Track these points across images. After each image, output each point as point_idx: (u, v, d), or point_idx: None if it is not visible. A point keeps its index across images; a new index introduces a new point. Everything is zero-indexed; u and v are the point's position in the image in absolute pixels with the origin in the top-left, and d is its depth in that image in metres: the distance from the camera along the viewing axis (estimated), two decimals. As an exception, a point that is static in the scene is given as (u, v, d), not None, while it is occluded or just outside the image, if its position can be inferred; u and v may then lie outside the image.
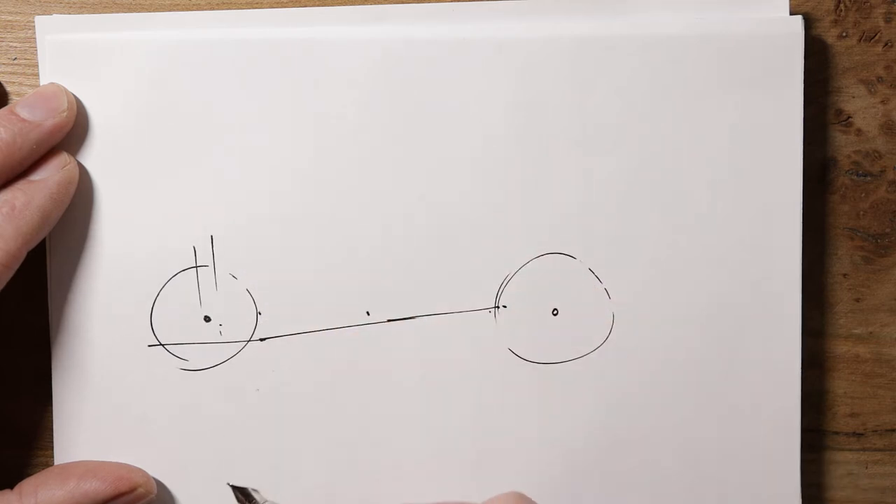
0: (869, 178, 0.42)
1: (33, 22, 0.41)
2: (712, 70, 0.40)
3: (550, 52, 0.40)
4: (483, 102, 0.40)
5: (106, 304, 0.41)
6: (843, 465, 0.44)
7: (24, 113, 0.39)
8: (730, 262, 0.41)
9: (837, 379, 0.43)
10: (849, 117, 0.42)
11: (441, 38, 0.40)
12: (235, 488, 0.41)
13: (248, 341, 0.41)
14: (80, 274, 0.41)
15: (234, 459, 0.42)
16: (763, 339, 0.41)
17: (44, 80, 0.40)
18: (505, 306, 0.42)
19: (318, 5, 0.41)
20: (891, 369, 0.44)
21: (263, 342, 0.41)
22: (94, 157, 0.40)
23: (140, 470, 0.41)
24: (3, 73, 0.41)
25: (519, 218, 0.41)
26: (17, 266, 0.38)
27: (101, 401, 0.41)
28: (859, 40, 0.42)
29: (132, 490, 0.40)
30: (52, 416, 0.42)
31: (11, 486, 0.39)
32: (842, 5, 0.41)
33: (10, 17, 0.41)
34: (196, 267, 0.41)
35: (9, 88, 0.41)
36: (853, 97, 0.42)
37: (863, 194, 0.42)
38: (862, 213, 0.43)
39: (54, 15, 0.41)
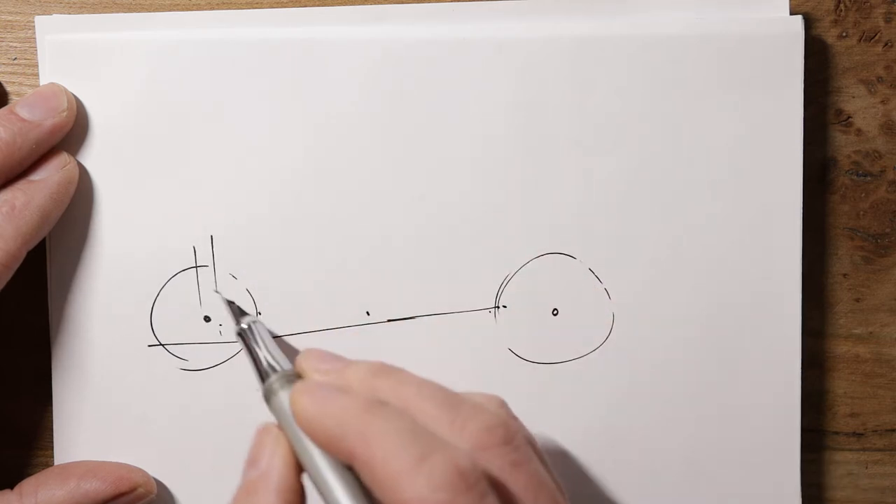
0: (869, 178, 0.42)
1: (33, 22, 0.41)
2: (712, 70, 0.40)
3: (550, 52, 0.40)
4: (483, 102, 0.40)
5: (106, 304, 0.41)
6: (843, 465, 0.44)
7: (23, 113, 0.39)
8: (730, 262, 0.41)
9: (837, 379, 0.43)
10: (849, 117, 0.42)
11: (441, 38, 0.40)
12: (227, 301, 0.40)
13: (248, 341, 0.41)
14: (80, 274, 0.41)
15: (234, 459, 0.42)
16: (763, 339, 0.41)
17: (44, 80, 0.40)
18: (505, 306, 0.42)
19: (318, 5, 0.41)
20: (891, 369, 0.44)
21: (263, 342, 0.41)
22: (94, 156, 0.40)
23: (140, 470, 0.41)
24: (3, 73, 0.41)
25: (519, 218, 0.41)
26: (16, 266, 0.38)
27: (101, 401, 0.41)
28: (859, 40, 0.42)
29: (132, 490, 0.40)
30: (52, 416, 0.42)
31: (11, 486, 0.39)
32: (842, 5, 0.41)
33: (10, 17, 0.41)
34: (196, 267, 0.41)
35: (9, 88, 0.41)
36: (853, 97, 0.42)
37: (863, 194, 0.42)
38: (862, 213, 0.43)
39: (54, 15, 0.41)
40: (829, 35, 0.42)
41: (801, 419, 0.42)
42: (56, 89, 0.39)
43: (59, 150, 0.40)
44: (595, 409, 0.42)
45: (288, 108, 0.40)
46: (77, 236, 0.41)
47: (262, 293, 0.41)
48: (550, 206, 0.41)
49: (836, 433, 0.44)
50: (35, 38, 0.40)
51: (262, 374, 0.36)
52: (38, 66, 0.40)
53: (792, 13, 0.40)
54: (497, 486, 0.30)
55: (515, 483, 0.31)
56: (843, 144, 0.42)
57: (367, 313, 0.41)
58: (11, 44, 0.41)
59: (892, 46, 0.42)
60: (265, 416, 0.41)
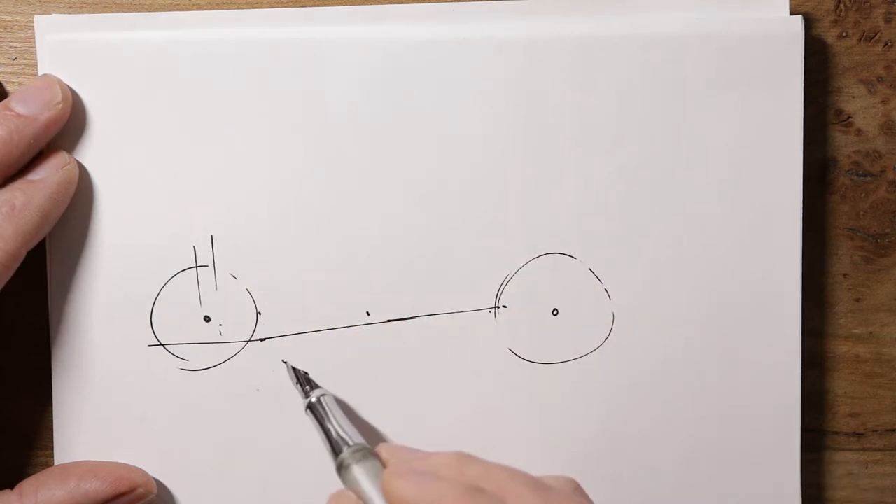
0: (869, 178, 0.42)
1: (33, 22, 0.41)
2: (712, 70, 0.40)
3: (550, 52, 0.40)
4: (483, 102, 0.40)
5: (106, 304, 0.41)
6: (843, 465, 0.44)
7: (18, 108, 0.38)
8: (730, 262, 0.41)
9: (837, 379, 0.43)
10: (849, 117, 0.42)
11: (441, 38, 0.40)
12: (294, 370, 0.41)
13: (248, 341, 0.41)
14: (80, 274, 0.41)
15: (234, 459, 0.42)
16: (763, 339, 0.41)
17: (44, 80, 0.40)
18: (505, 306, 0.42)
19: (318, 5, 0.41)
20: (891, 369, 0.44)
21: (263, 342, 0.41)
22: (93, 156, 0.40)
23: (140, 470, 0.41)
24: (3, 73, 0.41)
25: (519, 218, 0.41)
26: (16, 266, 0.38)
27: (101, 401, 0.41)
28: (859, 40, 0.42)
29: (132, 490, 0.40)
30: (52, 416, 0.42)
31: (11, 486, 0.39)
32: (842, 5, 0.41)
33: (10, 17, 0.41)
34: (196, 267, 0.41)
35: (9, 88, 0.41)
36: (853, 97, 0.42)
37: (863, 194, 0.42)
38: (862, 213, 0.43)
39: (54, 15, 0.41)
40: (829, 35, 0.42)
41: (801, 419, 0.42)
42: (50, 81, 0.39)
43: (59, 150, 0.40)
44: (595, 409, 0.42)
45: (288, 107, 0.40)
46: (77, 236, 0.41)
47: (262, 293, 0.41)
48: (550, 206, 0.41)
49: (836, 433, 0.44)
50: (35, 38, 0.40)
51: (335, 447, 0.37)
52: (37, 66, 0.40)
53: (792, 13, 0.40)
54: None
55: None
56: (843, 144, 0.42)
57: (367, 313, 0.41)
58: (11, 44, 0.41)
59: (892, 46, 0.42)
60: (265, 415, 0.41)
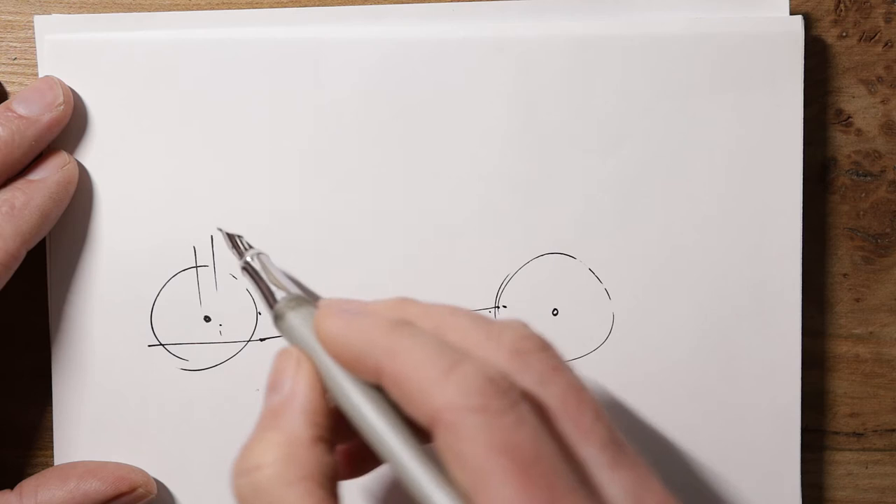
0: (869, 178, 0.42)
1: (33, 22, 0.41)
2: (712, 70, 0.40)
3: (550, 52, 0.40)
4: (483, 103, 0.40)
5: (106, 304, 0.41)
6: (843, 465, 0.44)
7: (20, 109, 0.39)
8: (730, 262, 0.41)
9: (837, 379, 0.43)
10: (849, 117, 0.42)
11: (441, 38, 0.40)
12: (228, 235, 0.40)
13: (248, 341, 0.41)
14: (80, 274, 0.41)
15: (234, 459, 0.42)
16: (763, 339, 0.41)
17: (44, 80, 0.40)
18: (505, 306, 0.42)
19: (318, 5, 0.41)
20: (891, 369, 0.44)
21: (263, 342, 0.41)
22: (93, 156, 0.40)
23: (140, 470, 0.41)
24: (3, 73, 0.41)
25: (519, 218, 0.41)
26: (16, 266, 0.38)
27: (101, 401, 0.41)
28: (859, 40, 0.42)
29: (132, 490, 0.40)
30: (52, 416, 0.42)
31: (11, 487, 0.39)
32: (842, 5, 0.41)
33: (10, 17, 0.41)
34: (196, 267, 0.41)
35: (9, 88, 0.41)
36: (853, 97, 0.42)
37: (863, 194, 0.43)
38: (862, 213, 0.43)
39: (53, 15, 0.41)
40: (829, 35, 0.42)
41: (801, 419, 0.42)
42: (51, 83, 0.39)
43: (59, 150, 0.40)
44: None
45: (288, 107, 0.40)
46: (77, 236, 0.41)
47: (262, 293, 0.41)
48: (550, 206, 0.41)
49: (836, 433, 0.44)
50: (35, 38, 0.40)
51: (269, 300, 0.35)
52: (37, 66, 0.40)
53: (792, 13, 0.40)
54: (534, 399, 0.30)
55: (556, 387, 0.30)
56: (843, 144, 0.42)
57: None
58: (11, 44, 0.41)
59: (892, 46, 0.42)
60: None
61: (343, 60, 0.40)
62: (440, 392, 0.28)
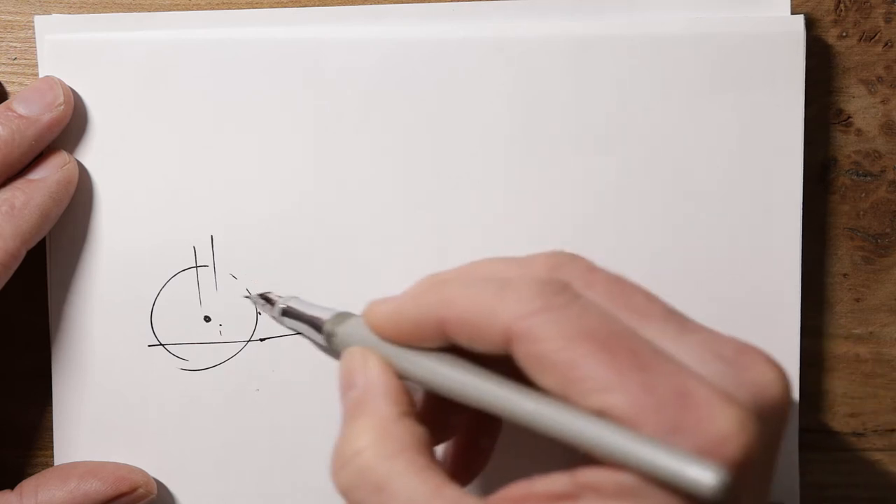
0: (869, 178, 0.42)
1: (33, 22, 0.41)
2: (712, 70, 0.40)
3: (550, 52, 0.40)
4: (483, 102, 0.40)
5: (106, 304, 0.41)
6: (843, 464, 0.44)
7: (20, 109, 0.39)
8: (729, 262, 0.41)
9: (837, 379, 0.43)
10: (849, 117, 0.42)
11: (440, 38, 0.40)
12: (257, 296, 0.41)
13: (248, 341, 0.41)
14: (80, 274, 0.41)
15: (233, 459, 0.42)
16: (762, 338, 0.41)
17: (43, 80, 0.40)
18: (505, 306, 0.41)
19: (319, 5, 0.41)
20: (891, 369, 0.44)
21: (263, 342, 0.41)
22: (93, 156, 0.40)
23: (140, 470, 0.41)
24: (3, 73, 0.41)
25: (519, 218, 0.41)
26: (16, 265, 0.38)
27: (101, 401, 0.41)
28: (859, 40, 0.42)
29: (133, 490, 0.40)
30: (52, 416, 0.42)
31: (11, 487, 0.39)
32: (842, 5, 0.41)
33: (10, 17, 0.41)
34: (196, 267, 0.41)
35: (9, 88, 0.41)
36: (853, 97, 0.42)
37: (863, 194, 0.42)
38: (862, 213, 0.43)
39: (54, 15, 0.41)
40: (830, 35, 0.42)
41: (800, 419, 0.42)
42: (52, 83, 0.39)
43: (59, 149, 0.40)
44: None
45: (288, 107, 0.40)
46: (77, 236, 0.41)
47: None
48: (550, 206, 0.41)
49: (836, 433, 0.44)
50: (35, 38, 0.40)
51: (317, 326, 0.38)
52: (37, 66, 0.40)
53: (792, 13, 0.40)
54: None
55: (599, 284, 0.31)
56: (843, 144, 0.42)
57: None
58: (11, 44, 0.41)
59: (892, 46, 0.42)
60: (265, 415, 0.41)
61: (343, 60, 0.40)
62: (503, 309, 0.30)
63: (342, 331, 0.36)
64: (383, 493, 0.30)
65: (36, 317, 0.42)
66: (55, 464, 0.41)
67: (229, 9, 0.41)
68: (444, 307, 0.31)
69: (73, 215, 0.40)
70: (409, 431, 0.31)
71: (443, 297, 0.32)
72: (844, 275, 0.43)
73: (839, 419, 0.44)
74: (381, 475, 0.30)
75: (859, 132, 0.42)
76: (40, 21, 0.40)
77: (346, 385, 0.34)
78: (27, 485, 0.39)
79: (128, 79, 0.40)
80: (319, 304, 0.39)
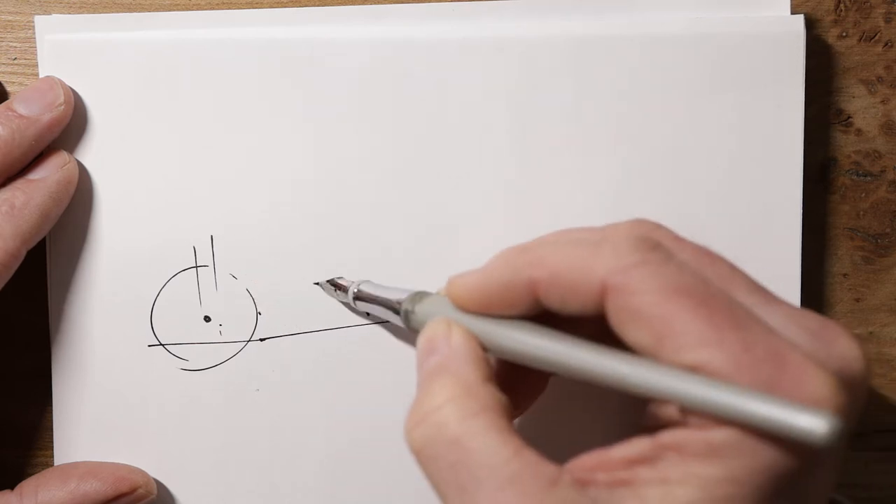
0: (869, 178, 0.42)
1: (33, 22, 0.41)
2: (712, 70, 0.40)
3: (550, 52, 0.40)
4: (483, 102, 0.40)
5: (106, 304, 0.41)
6: (844, 464, 0.44)
7: (20, 109, 0.39)
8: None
9: (837, 379, 0.43)
10: (849, 117, 0.42)
11: (441, 38, 0.40)
12: (328, 281, 0.41)
13: (248, 341, 0.41)
14: (80, 274, 0.41)
15: (233, 459, 0.42)
16: (763, 338, 0.41)
17: (43, 80, 0.40)
18: (505, 306, 0.41)
19: (318, 5, 0.41)
20: (891, 369, 0.44)
21: (263, 342, 0.41)
22: (93, 156, 0.40)
23: (140, 470, 0.41)
24: (3, 73, 0.41)
25: (518, 217, 0.41)
26: (16, 265, 0.38)
27: (101, 401, 0.41)
28: (859, 40, 0.42)
29: (133, 491, 0.40)
30: (52, 416, 0.42)
31: (11, 487, 0.39)
32: (842, 5, 0.41)
33: (10, 17, 0.41)
34: (196, 267, 0.41)
35: (9, 88, 0.41)
36: (853, 97, 0.42)
37: (863, 194, 0.43)
38: (862, 213, 0.43)
39: (54, 15, 0.41)
40: (830, 35, 0.42)
41: (801, 419, 0.42)
42: (52, 83, 0.39)
43: (59, 149, 0.40)
44: (595, 409, 0.42)
45: (288, 108, 0.40)
46: (77, 236, 0.41)
47: (262, 293, 0.41)
48: (550, 206, 0.41)
49: (836, 433, 0.44)
50: (35, 38, 0.40)
51: (394, 308, 0.37)
52: (38, 66, 0.40)
53: (792, 13, 0.40)
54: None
55: (685, 252, 0.31)
56: (843, 144, 0.42)
57: (367, 314, 0.41)
58: (11, 44, 0.41)
59: (892, 46, 0.42)
60: (265, 415, 0.41)
61: (343, 60, 0.40)
62: (599, 263, 0.30)
63: (421, 309, 0.35)
64: (461, 451, 0.29)
65: (36, 317, 0.42)
66: (55, 464, 0.41)
67: (229, 9, 0.41)
68: (536, 267, 0.31)
69: (73, 215, 0.40)
70: (492, 394, 0.31)
71: (534, 257, 0.31)
72: (844, 275, 0.43)
73: (839, 419, 0.44)
74: (460, 432, 0.29)
75: (859, 132, 0.42)
76: (40, 21, 0.40)
77: (427, 351, 0.33)
78: (27, 485, 0.39)
79: (128, 79, 0.40)
80: (389, 285, 0.39)
